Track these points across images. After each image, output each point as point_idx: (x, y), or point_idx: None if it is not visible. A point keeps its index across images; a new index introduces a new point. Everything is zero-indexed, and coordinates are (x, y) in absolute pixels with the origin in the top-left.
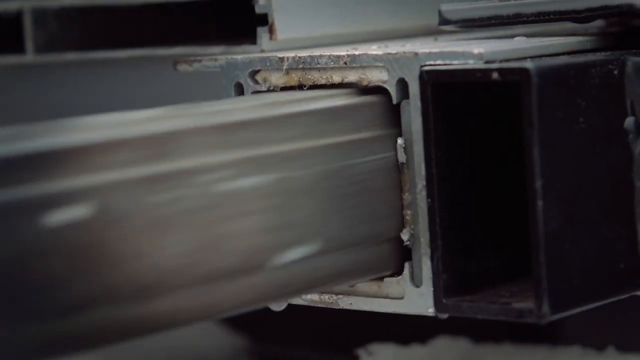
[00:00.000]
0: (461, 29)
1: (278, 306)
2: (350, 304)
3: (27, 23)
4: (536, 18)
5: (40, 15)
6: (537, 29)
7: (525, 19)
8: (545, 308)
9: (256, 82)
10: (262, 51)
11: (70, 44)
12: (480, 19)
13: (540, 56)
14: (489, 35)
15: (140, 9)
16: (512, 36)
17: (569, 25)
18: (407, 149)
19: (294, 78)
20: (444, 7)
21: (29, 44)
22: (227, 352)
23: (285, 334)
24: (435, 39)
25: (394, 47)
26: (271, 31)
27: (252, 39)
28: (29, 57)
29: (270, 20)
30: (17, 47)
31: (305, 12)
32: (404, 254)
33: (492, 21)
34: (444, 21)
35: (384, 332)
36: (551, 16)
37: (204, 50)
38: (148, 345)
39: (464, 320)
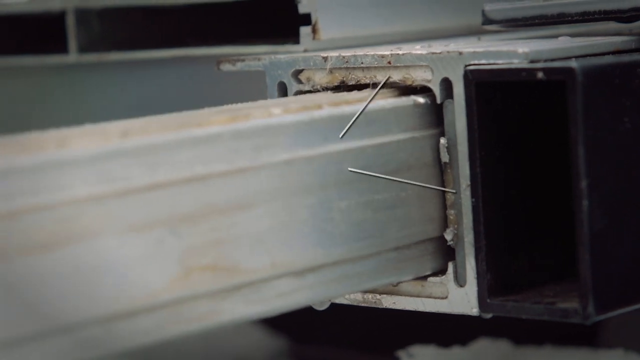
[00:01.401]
0: (504, 28)
1: (321, 305)
2: (394, 303)
3: (70, 23)
4: (580, 18)
5: (83, 15)
6: (580, 28)
7: (569, 18)
8: (590, 308)
9: (299, 81)
10: (305, 51)
11: (113, 43)
12: (524, 19)
13: (585, 56)
14: (532, 35)
15: (183, 8)
16: (556, 36)
17: (613, 25)
18: (450, 148)
19: (338, 77)
20: (488, 7)
21: (72, 43)
22: (267, 353)
23: (325, 335)
24: (479, 39)
25: (438, 47)
26: (314, 31)
27: (294, 38)
28: (72, 56)
29: (313, 20)
30: (60, 46)
31: (348, 12)
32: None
33: (536, 21)
34: (487, 21)
35: (424, 333)
36: (595, 16)
37: (246, 49)
38: (187, 346)
39: (505, 321)
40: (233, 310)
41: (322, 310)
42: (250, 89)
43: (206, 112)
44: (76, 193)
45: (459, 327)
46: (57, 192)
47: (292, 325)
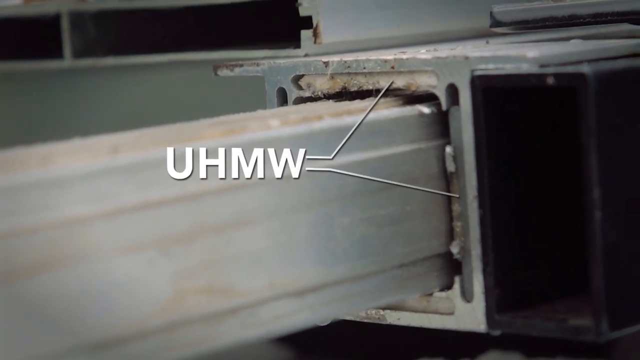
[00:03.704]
0: (514, 31)
1: (324, 320)
2: (398, 319)
3: (65, 27)
4: (593, 19)
5: (78, 19)
6: (593, 31)
7: (581, 20)
8: (604, 325)
9: (300, 87)
10: (306, 55)
11: (108, 48)
12: (534, 21)
13: (597, 60)
14: (543, 37)
15: (182, 11)
16: (567, 39)
17: (626, 27)
18: (457, 157)
19: (339, 83)
20: (496, 8)
21: (67, 48)
22: None
23: (330, 346)
24: (487, 42)
25: (444, 51)
26: (315, 34)
27: (295, 42)
28: (67, 61)
29: (314, 23)
30: (55, 51)
31: (351, 14)
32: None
33: (547, 23)
34: (495, 23)
35: (432, 345)
36: (608, 17)
37: (245, 54)
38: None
39: (515, 333)
40: (229, 334)
41: (333, 322)
42: (250, 94)
43: (200, 124)
44: (62, 214)
45: (468, 339)
46: (41, 213)
47: (297, 336)
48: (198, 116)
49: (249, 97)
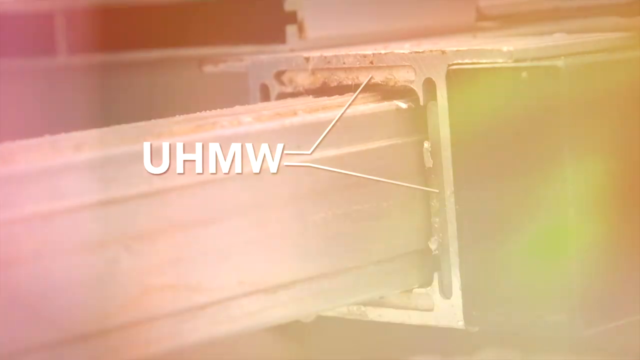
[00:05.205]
0: (501, 25)
1: (306, 317)
2: (379, 315)
3: (59, 23)
4: (577, 13)
5: (72, 16)
6: (587, 23)
7: (565, 13)
8: (579, 321)
9: (282, 83)
10: (292, 50)
11: (102, 45)
12: (519, 15)
13: (575, 54)
14: (529, 31)
15: (184, 6)
16: (554, 32)
17: (620, 21)
18: (434, 153)
19: (320, 79)
20: (482, 3)
21: (61, 45)
22: None
23: (324, 343)
24: (474, 36)
25: (424, 46)
26: (300, 29)
27: (281, 38)
28: (61, 58)
29: (299, 18)
30: (49, 48)
31: (337, 9)
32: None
33: (531, 16)
34: (481, 17)
35: (427, 342)
36: (593, 10)
37: (232, 50)
38: (190, 354)
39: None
40: (197, 331)
41: (326, 320)
42: (235, 90)
43: (170, 121)
44: (23, 211)
45: (464, 335)
46: (1, 210)
47: (298, 334)
48: (189, 112)
49: (238, 94)
